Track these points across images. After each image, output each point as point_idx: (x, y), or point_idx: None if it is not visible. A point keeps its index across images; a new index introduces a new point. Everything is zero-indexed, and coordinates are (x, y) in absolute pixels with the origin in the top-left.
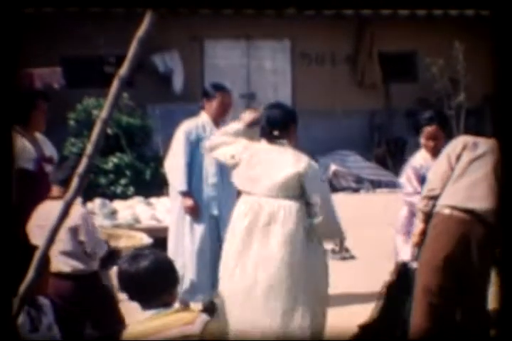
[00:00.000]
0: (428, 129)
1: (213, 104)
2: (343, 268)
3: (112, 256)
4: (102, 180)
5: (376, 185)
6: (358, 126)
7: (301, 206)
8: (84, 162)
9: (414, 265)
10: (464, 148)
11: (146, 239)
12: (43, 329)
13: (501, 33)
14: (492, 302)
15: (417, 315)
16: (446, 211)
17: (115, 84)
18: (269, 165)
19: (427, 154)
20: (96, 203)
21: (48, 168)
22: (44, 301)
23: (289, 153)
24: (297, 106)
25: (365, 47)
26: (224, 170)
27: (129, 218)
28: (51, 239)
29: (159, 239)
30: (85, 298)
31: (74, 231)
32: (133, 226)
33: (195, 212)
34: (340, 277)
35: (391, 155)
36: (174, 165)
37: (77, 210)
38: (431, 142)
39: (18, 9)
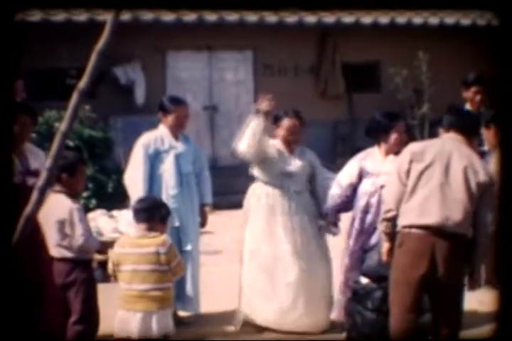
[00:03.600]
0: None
1: (169, 119)
2: None
3: None
4: None
5: None
6: (321, 136)
7: None
8: (43, 175)
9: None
10: (411, 161)
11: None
12: None
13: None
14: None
15: (394, 329)
16: (405, 230)
17: (74, 97)
18: None
19: None
20: None
21: (31, 181)
22: None
23: None
24: None
25: (328, 57)
26: (184, 182)
27: (92, 231)
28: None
29: None
30: (73, 281)
31: (61, 224)
32: None
33: None
34: None
35: None
36: (133, 178)
37: (65, 206)
38: None
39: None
